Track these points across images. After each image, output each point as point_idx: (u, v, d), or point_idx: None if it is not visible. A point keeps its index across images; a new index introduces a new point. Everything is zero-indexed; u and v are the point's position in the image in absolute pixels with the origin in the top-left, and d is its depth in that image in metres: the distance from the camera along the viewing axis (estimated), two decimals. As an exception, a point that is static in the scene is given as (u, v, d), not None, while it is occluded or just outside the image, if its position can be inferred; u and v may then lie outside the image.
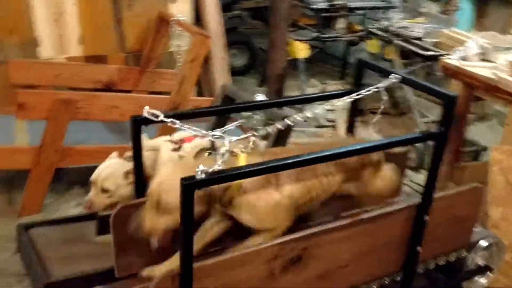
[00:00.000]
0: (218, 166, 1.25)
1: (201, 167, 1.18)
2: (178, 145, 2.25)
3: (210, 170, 1.21)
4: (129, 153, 2.23)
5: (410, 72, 4.29)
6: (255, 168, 1.30)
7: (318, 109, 1.74)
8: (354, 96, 1.75)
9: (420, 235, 1.77)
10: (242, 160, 1.46)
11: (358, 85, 1.91)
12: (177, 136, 2.28)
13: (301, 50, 4.99)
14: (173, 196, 1.33)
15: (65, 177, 3.29)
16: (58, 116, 2.90)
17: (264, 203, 1.50)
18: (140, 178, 1.71)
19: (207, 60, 4.32)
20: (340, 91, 1.95)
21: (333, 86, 5.43)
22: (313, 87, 5.21)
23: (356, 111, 2.03)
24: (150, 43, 3.77)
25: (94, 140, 3.20)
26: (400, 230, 1.74)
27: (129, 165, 2.11)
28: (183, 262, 1.27)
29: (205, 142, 2.30)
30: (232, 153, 1.44)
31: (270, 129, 1.71)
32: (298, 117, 1.72)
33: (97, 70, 3.70)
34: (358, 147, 1.46)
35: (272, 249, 1.47)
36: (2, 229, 2.91)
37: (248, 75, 6.05)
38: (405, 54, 4.44)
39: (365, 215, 1.66)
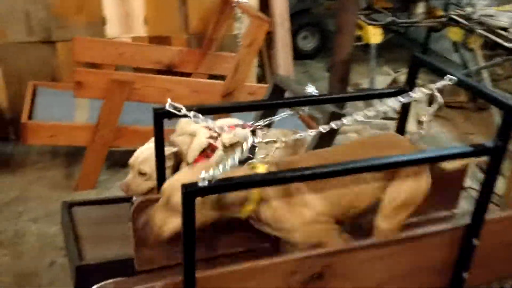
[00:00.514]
0: (219, 171, 1.14)
1: (203, 174, 1.09)
2: (216, 134, 2.19)
3: (213, 176, 1.11)
4: (172, 137, 2.22)
5: (492, 66, 3.87)
6: (267, 177, 1.19)
7: (365, 113, 1.56)
8: (402, 99, 1.55)
9: (468, 260, 1.56)
10: (261, 169, 1.36)
11: (411, 84, 1.71)
12: (219, 123, 2.22)
13: (374, 35, 4.68)
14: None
15: (121, 156, 3.38)
16: (114, 96, 2.95)
17: (296, 223, 1.40)
18: (162, 171, 1.65)
19: (270, 45, 4.20)
20: (392, 90, 1.76)
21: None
22: (384, 75, 4.90)
23: (406, 113, 1.82)
24: (213, 25, 3.72)
25: (149, 122, 3.22)
26: (444, 253, 1.55)
27: (169, 149, 2.10)
28: (186, 271, 1.20)
29: (245, 132, 2.23)
30: (249, 164, 1.35)
31: (305, 134, 1.58)
32: (345, 120, 1.56)
33: (158, 51, 3.72)
34: (384, 161, 1.29)
35: (291, 263, 1.36)
36: (57, 201, 3.05)
37: (317, 59, 5.84)
38: (489, 45, 4.00)
39: (403, 234, 1.50)
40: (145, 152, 2.09)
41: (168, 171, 2.11)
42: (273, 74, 4.07)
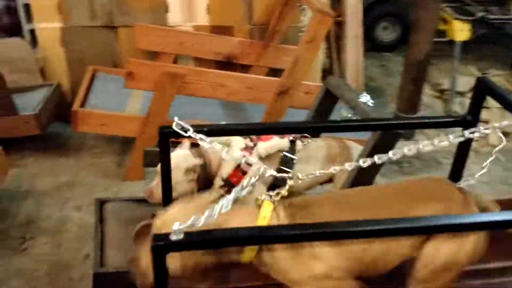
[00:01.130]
0: (200, 220, 0.95)
1: (177, 225, 0.91)
2: (252, 143, 2.00)
3: (188, 227, 0.92)
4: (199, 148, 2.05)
5: None
6: (259, 234, 0.97)
7: (417, 147, 1.27)
8: (459, 137, 1.25)
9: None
10: (266, 210, 1.14)
11: (475, 114, 1.39)
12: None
13: (460, 32, 4.19)
14: None
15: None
16: (164, 89, 2.86)
17: (304, 276, 1.18)
18: (169, 190, 1.50)
19: (340, 38, 3.90)
20: (450, 119, 1.46)
21: (496, 78, 4.50)
22: (469, 76, 4.39)
23: (465, 152, 1.49)
24: (276, 16, 3.49)
25: (203, 116, 3.10)
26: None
27: (194, 161, 1.95)
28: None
29: (283, 143, 2.02)
30: (257, 200, 1.14)
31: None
32: (391, 154, 1.29)
33: (219, 41, 3.57)
34: (419, 224, 1.02)
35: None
36: (107, 190, 3.05)
37: (397, 52, 5.39)
38: None
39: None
40: (172, 161, 1.95)
41: (191, 185, 1.97)
42: (345, 70, 3.80)
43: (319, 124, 2.05)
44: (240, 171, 1.93)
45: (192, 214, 1.03)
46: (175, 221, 1.15)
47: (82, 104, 3.06)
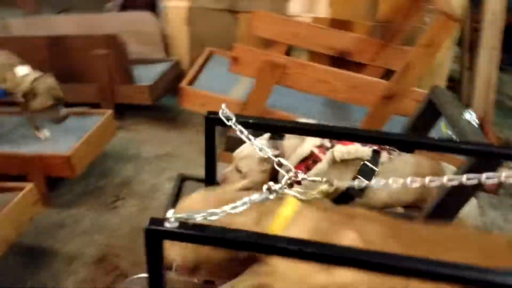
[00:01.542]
0: (206, 213, 0.90)
1: (171, 212, 0.87)
2: (330, 144, 1.88)
3: (191, 217, 0.88)
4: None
5: None
6: (263, 242, 0.89)
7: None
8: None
9: None
10: (288, 208, 1.05)
11: None
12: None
13: None
14: None
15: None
16: (265, 77, 2.84)
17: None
18: (212, 178, 1.46)
19: (472, 47, 3.50)
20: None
21: None
22: None
23: None
24: (401, 14, 3.24)
25: (301, 110, 3.03)
26: None
27: (266, 152, 1.89)
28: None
29: (364, 151, 1.86)
30: (277, 193, 1.04)
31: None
32: (485, 178, 1.08)
33: (335, 36, 3.44)
34: None
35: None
36: (201, 167, 3.15)
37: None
38: None
39: None
40: (247, 149, 1.93)
41: (263, 175, 1.92)
42: (475, 81, 3.42)
43: (406, 138, 1.84)
44: (304, 166, 1.83)
45: (211, 204, 0.99)
46: (192, 207, 1.14)
47: (191, 82, 3.19)
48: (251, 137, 1.30)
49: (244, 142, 1.39)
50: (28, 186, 2.30)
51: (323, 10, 3.55)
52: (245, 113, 2.95)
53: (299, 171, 1.22)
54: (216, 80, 3.25)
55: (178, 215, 0.90)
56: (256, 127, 1.33)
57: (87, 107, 3.30)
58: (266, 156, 1.85)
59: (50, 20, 3.92)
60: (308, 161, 1.83)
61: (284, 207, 1.09)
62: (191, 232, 0.89)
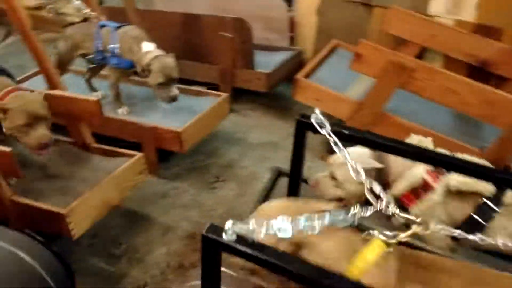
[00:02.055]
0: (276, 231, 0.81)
1: (230, 224, 0.79)
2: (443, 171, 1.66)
3: (250, 231, 0.80)
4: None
5: None
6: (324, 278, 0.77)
7: None
8: None
9: None
10: (372, 251, 0.91)
11: None
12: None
13: None
14: None
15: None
16: (388, 78, 2.63)
17: None
18: (296, 181, 1.35)
19: None
20: None
21: None
22: None
23: None
24: None
25: (425, 120, 2.76)
26: None
27: (371, 163, 1.74)
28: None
29: (486, 186, 1.61)
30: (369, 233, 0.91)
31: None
32: None
33: (479, 43, 3.06)
34: None
35: None
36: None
37: None
38: None
39: None
40: (348, 156, 1.79)
41: (361, 188, 1.74)
42: None
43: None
44: (414, 194, 1.64)
45: (288, 216, 0.91)
46: (268, 215, 1.05)
47: (308, 75, 3.09)
48: (347, 151, 1.17)
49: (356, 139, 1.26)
50: (138, 155, 2.42)
51: (468, 13, 3.19)
52: (360, 114, 2.79)
53: (390, 203, 1.07)
54: (335, 75, 3.11)
55: (241, 226, 0.82)
56: (352, 139, 1.19)
57: (205, 86, 3.40)
58: (367, 167, 1.71)
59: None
60: (418, 188, 1.64)
61: (369, 248, 0.96)
62: (247, 250, 0.81)
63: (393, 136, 2.70)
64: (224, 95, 3.08)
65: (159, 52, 2.69)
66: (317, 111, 1.27)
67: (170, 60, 2.67)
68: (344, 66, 3.19)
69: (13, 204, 2.14)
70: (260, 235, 0.82)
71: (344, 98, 2.90)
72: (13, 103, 2.07)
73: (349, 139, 1.26)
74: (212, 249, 0.85)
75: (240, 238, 0.82)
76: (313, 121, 1.24)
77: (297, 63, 3.62)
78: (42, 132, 2.09)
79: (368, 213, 0.95)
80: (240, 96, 3.63)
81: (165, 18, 3.55)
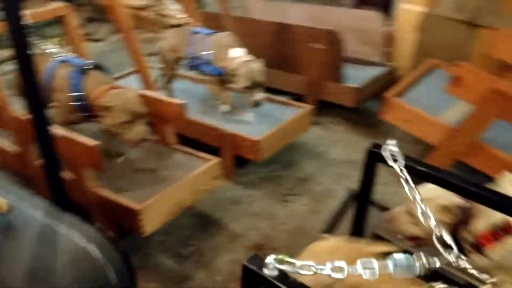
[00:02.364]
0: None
1: (272, 258, 0.74)
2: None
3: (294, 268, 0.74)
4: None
5: None
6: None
7: None
8: None
9: None
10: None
11: None
12: None
13: None
14: None
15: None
16: (487, 107, 2.41)
17: None
18: (361, 218, 1.25)
19: None
20: None
21: None
22: None
23: None
24: None
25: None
26: None
27: (455, 200, 1.58)
28: None
29: None
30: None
31: None
32: None
33: None
34: None
35: None
36: (383, 185, 2.92)
37: None
38: None
39: None
40: (431, 190, 1.63)
41: (444, 227, 1.61)
42: None
43: None
44: (492, 236, 1.47)
45: (339, 257, 0.84)
46: (317, 255, 0.99)
47: (400, 94, 2.93)
48: (418, 191, 1.05)
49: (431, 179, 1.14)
50: (215, 160, 2.45)
51: None
52: (453, 141, 2.59)
53: (461, 257, 0.94)
54: (429, 97, 2.91)
55: (288, 260, 0.76)
56: (429, 178, 1.07)
57: (289, 97, 3.36)
58: (450, 205, 1.56)
59: (285, 6, 4.08)
60: (499, 231, 1.46)
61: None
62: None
63: (487, 169, 2.48)
64: (307, 107, 3.02)
65: (247, 57, 2.69)
66: (390, 142, 1.17)
67: (257, 65, 2.66)
68: (440, 88, 2.98)
69: (94, 195, 2.26)
70: (306, 275, 0.76)
71: (437, 122, 2.70)
72: (115, 102, 2.16)
73: (425, 177, 1.15)
74: (252, 281, 0.80)
75: (282, 275, 0.76)
76: (384, 154, 1.14)
77: (389, 80, 3.45)
78: (141, 129, 2.19)
79: (437, 265, 0.84)
80: (327, 109, 3.55)
81: (259, 26, 3.57)
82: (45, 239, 1.68)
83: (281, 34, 3.45)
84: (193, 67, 2.96)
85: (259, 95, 2.66)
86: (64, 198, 1.78)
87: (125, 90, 2.27)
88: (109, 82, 2.32)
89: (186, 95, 3.29)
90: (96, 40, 4.97)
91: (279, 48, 3.49)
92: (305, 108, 3.01)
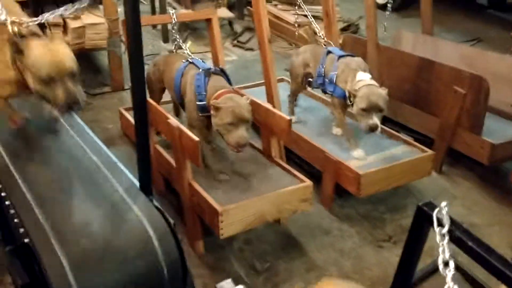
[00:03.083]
0: None
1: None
2: None
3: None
4: None
5: None
6: None
7: None
8: None
9: None
10: None
11: None
12: None
13: None
14: None
15: None
16: None
17: None
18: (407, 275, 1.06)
19: None
20: None
21: None
22: None
23: None
24: None
25: None
26: None
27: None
28: None
29: None
30: None
31: None
32: None
33: None
34: None
35: None
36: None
37: None
38: None
39: None
40: None
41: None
42: None
43: None
44: None
45: None
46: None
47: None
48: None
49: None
50: (307, 183, 2.37)
51: None
52: None
53: None
54: None
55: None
56: (472, 254, 0.86)
57: (416, 136, 3.11)
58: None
59: (438, 42, 3.79)
60: None
61: None
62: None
63: None
64: (429, 152, 2.75)
65: (371, 82, 2.56)
66: (443, 204, 0.98)
67: (379, 90, 2.50)
68: None
69: (189, 187, 2.35)
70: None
71: None
72: (225, 104, 2.27)
73: (469, 252, 0.93)
74: None
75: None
76: (434, 214, 0.96)
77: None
78: (242, 134, 2.25)
79: None
80: (458, 158, 3.19)
81: (402, 58, 3.37)
82: (117, 213, 1.80)
83: (422, 69, 3.20)
84: (319, 85, 2.92)
85: (376, 120, 2.47)
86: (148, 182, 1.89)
87: (238, 96, 2.34)
88: (225, 86, 2.42)
89: (307, 112, 3.26)
90: (248, 49, 5.21)
91: (417, 83, 3.24)
92: (426, 153, 2.75)
